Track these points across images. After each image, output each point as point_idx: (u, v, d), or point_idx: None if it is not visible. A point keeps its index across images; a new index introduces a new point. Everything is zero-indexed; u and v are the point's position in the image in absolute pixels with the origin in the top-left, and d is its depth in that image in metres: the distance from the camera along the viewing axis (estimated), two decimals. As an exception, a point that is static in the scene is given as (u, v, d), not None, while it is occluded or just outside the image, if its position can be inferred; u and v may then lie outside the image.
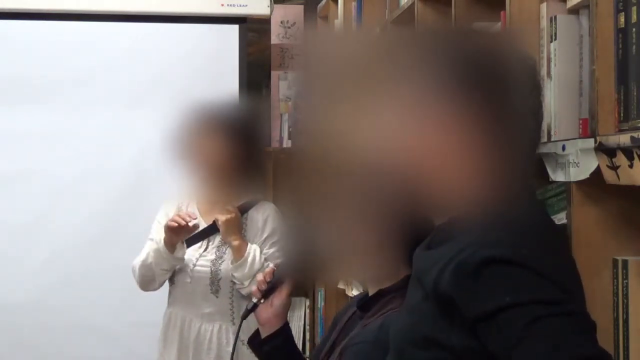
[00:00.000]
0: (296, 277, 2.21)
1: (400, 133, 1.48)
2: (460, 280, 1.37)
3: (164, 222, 3.21)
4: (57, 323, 4.46)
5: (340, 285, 4.08)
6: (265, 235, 3.22)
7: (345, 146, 1.56)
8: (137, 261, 3.28)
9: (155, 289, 3.32)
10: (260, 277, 2.22)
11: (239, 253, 3.13)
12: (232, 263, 3.14)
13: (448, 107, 1.46)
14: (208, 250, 3.20)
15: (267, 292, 2.18)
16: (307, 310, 4.82)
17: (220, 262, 3.17)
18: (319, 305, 4.65)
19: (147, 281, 3.27)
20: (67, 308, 4.47)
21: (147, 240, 3.30)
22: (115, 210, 4.51)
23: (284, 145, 4.95)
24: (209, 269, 3.17)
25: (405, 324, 1.52)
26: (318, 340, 4.59)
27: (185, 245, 3.20)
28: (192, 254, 3.20)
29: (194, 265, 3.18)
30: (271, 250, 3.21)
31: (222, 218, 3.15)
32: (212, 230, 3.22)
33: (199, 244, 3.22)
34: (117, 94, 4.58)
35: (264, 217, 3.24)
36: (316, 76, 1.64)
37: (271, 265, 2.28)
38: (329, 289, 4.46)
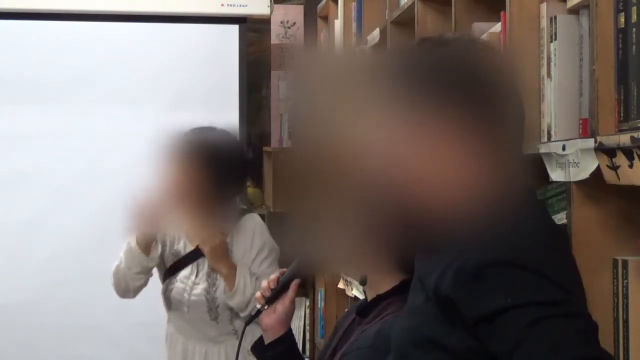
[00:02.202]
0: (301, 280, 2.20)
1: (390, 140, 1.49)
2: (461, 283, 1.37)
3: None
4: (57, 323, 4.47)
5: (340, 285, 4.08)
6: (254, 254, 3.11)
7: (338, 151, 1.58)
8: (113, 268, 3.20)
9: (131, 297, 3.23)
10: (264, 284, 2.20)
11: (230, 282, 3.02)
12: (224, 293, 3.04)
13: (435, 114, 1.47)
14: (199, 277, 3.10)
15: (271, 299, 2.17)
16: (307, 310, 4.82)
17: (214, 289, 3.07)
18: (319, 305, 4.66)
19: (122, 289, 3.20)
20: (67, 308, 4.47)
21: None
22: (115, 210, 4.49)
23: (284, 145, 4.96)
24: (204, 297, 3.07)
25: (406, 326, 1.52)
26: (318, 340, 4.59)
27: (159, 246, 3.11)
28: (185, 281, 3.11)
29: (189, 295, 3.08)
30: (263, 267, 3.09)
31: (206, 248, 3.05)
32: (197, 255, 3.12)
33: (189, 270, 3.12)
34: (117, 94, 4.58)
35: (250, 236, 3.12)
36: (312, 88, 1.66)
37: (275, 273, 2.23)
38: (329, 289, 4.46)
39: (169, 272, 3.15)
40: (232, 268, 3.05)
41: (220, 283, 3.06)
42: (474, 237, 1.40)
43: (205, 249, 3.05)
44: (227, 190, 3.09)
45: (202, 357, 3.11)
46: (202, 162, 3.04)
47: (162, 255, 3.16)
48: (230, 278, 3.04)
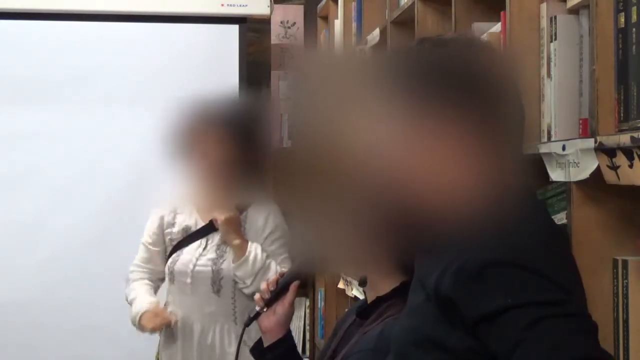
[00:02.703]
0: (300, 282, 2.19)
1: (389, 140, 1.49)
2: (461, 283, 1.37)
3: (156, 225, 3.24)
4: (57, 323, 4.47)
5: (340, 285, 4.07)
6: (266, 233, 3.18)
7: (338, 151, 1.58)
8: (126, 291, 3.29)
9: None
10: (264, 285, 2.20)
11: (241, 251, 3.09)
12: (233, 262, 3.10)
13: (435, 114, 1.47)
14: (207, 249, 3.16)
15: (271, 301, 2.16)
16: (307, 310, 4.82)
17: (221, 261, 3.13)
18: (319, 305, 4.65)
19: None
20: (67, 308, 4.47)
21: (141, 244, 3.29)
22: (115, 210, 4.52)
23: (284, 145, 4.95)
24: (210, 268, 3.13)
25: (407, 326, 1.52)
26: (318, 340, 4.59)
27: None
28: (192, 253, 3.17)
29: (194, 265, 3.14)
30: (273, 247, 3.17)
31: (221, 218, 3.11)
32: (209, 229, 3.19)
33: (197, 243, 3.18)
34: (117, 93, 4.58)
35: (265, 215, 3.20)
36: (312, 88, 1.66)
37: (274, 275, 2.23)
38: (329, 289, 4.46)
39: (177, 246, 3.21)
40: (244, 241, 3.13)
41: (228, 256, 3.13)
42: (474, 237, 1.40)
43: (220, 220, 3.12)
44: (247, 164, 3.14)
45: (198, 333, 3.15)
46: (232, 131, 3.11)
47: (170, 235, 3.23)
48: (242, 248, 3.10)
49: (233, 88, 4.55)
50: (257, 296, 2.20)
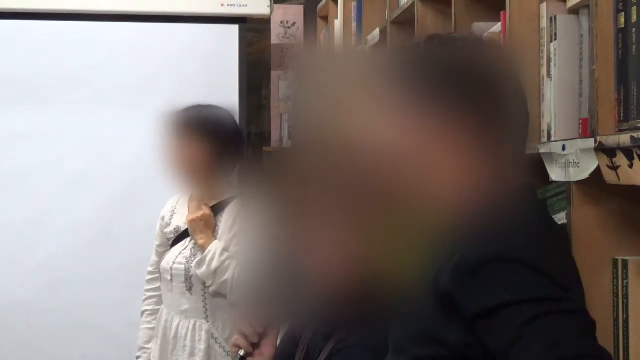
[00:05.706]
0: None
1: (393, 139, 1.49)
2: (459, 278, 1.37)
3: (158, 226, 3.33)
4: (57, 323, 4.47)
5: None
6: (233, 233, 3.20)
7: (340, 151, 1.57)
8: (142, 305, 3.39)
9: None
10: (239, 338, 2.00)
11: (202, 251, 3.16)
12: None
13: (440, 112, 1.47)
14: (187, 248, 3.23)
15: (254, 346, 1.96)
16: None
17: (192, 259, 3.19)
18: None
19: None
20: (67, 308, 4.47)
21: (154, 245, 3.35)
22: (114, 210, 4.52)
23: (284, 146, 4.96)
24: (183, 266, 3.19)
25: (404, 320, 1.52)
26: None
27: None
28: (175, 252, 3.24)
29: (173, 263, 3.22)
30: (237, 248, 3.20)
31: (188, 217, 3.20)
32: None
33: (182, 242, 3.25)
34: (116, 94, 4.58)
35: (234, 216, 3.22)
36: (313, 88, 1.66)
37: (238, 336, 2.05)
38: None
39: (171, 245, 3.29)
40: (209, 241, 3.18)
41: (200, 255, 3.18)
42: (473, 233, 1.40)
43: (187, 219, 3.20)
44: (220, 165, 3.18)
45: (175, 329, 3.21)
46: (196, 134, 3.15)
47: (167, 235, 3.31)
48: (203, 248, 3.16)
49: (231, 90, 4.56)
50: (235, 340, 1.98)
